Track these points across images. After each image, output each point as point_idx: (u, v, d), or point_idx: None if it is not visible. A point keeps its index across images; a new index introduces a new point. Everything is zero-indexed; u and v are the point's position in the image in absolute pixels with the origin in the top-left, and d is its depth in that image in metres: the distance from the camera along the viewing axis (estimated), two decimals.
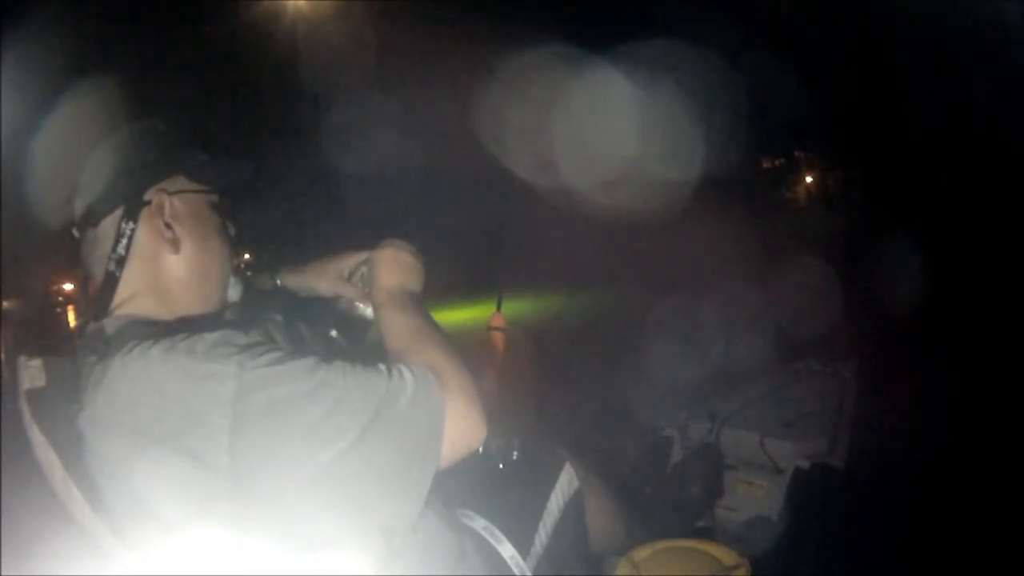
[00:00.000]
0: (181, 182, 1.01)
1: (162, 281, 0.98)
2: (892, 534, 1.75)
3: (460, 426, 0.87)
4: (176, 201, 0.99)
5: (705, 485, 1.91)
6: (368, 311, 1.18)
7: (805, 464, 1.97)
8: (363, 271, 1.17)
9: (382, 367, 0.87)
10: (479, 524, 1.19)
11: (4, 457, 0.90)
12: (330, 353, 0.89)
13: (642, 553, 1.36)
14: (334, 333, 1.20)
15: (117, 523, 0.85)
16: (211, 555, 0.81)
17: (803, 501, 1.90)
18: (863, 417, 2.23)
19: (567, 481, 1.34)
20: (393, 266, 1.09)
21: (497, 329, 1.37)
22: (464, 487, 1.23)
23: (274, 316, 1.10)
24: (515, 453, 1.38)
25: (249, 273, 1.21)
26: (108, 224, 0.96)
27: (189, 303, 0.99)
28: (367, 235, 1.20)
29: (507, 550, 1.17)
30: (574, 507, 1.33)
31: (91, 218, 0.97)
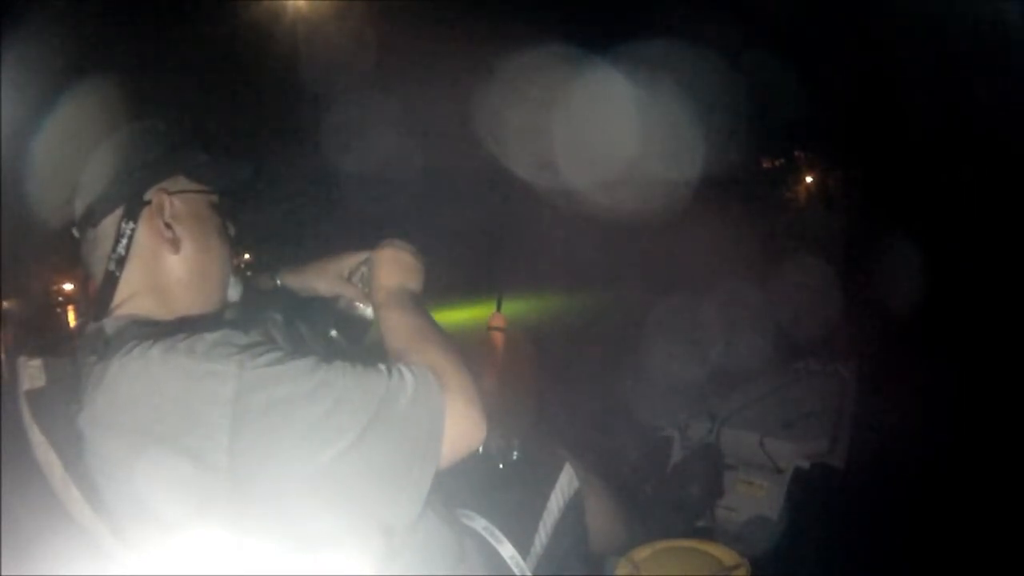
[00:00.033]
0: (181, 182, 1.01)
1: (162, 281, 0.98)
2: (892, 534, 1.75)
3: (460, 426, 0.87)
4: (176, 201, 0.99)
5: (705, 485, 1.91)
6: (368, 311, 1.18)
7: (805, 464, 1.97)
8: (363, 271, 1.18)
9: (382, 367, 0.87)
10: (479, 524, 1.19)
11: (4, 457, 0.90)
12: (330, 353, 0.89)
13: (642, 553, 1.36)
14: (334, 333, 1.20)
15: (117, 523, 0.86)
16: (211, 555, 0.81)
17: (803, 501, 1.90)
18: (863, 417, 2.23)
19: (567, 481, 1.34)
20: (393, 266, 1.09)
21: (497, 329, 1.37)
22: (464, 487, 1.23)
23: (274, 316, 1.10)
24: (515, 453, 1.38)
25: (249, 273, 1.21)
26: (108, 224, 0.96)
27: (189, 303, 0.99)
28: (367, 235, 1.20)
29: (507, 550, 1.17)
30: (574, 507, 1.33)
31: (91, 218, 0.97)
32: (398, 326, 1.00)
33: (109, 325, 0.93)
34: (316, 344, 1.14)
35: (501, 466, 1.37)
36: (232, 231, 1.07)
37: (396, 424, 0.84)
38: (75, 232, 1.00)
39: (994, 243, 4.89)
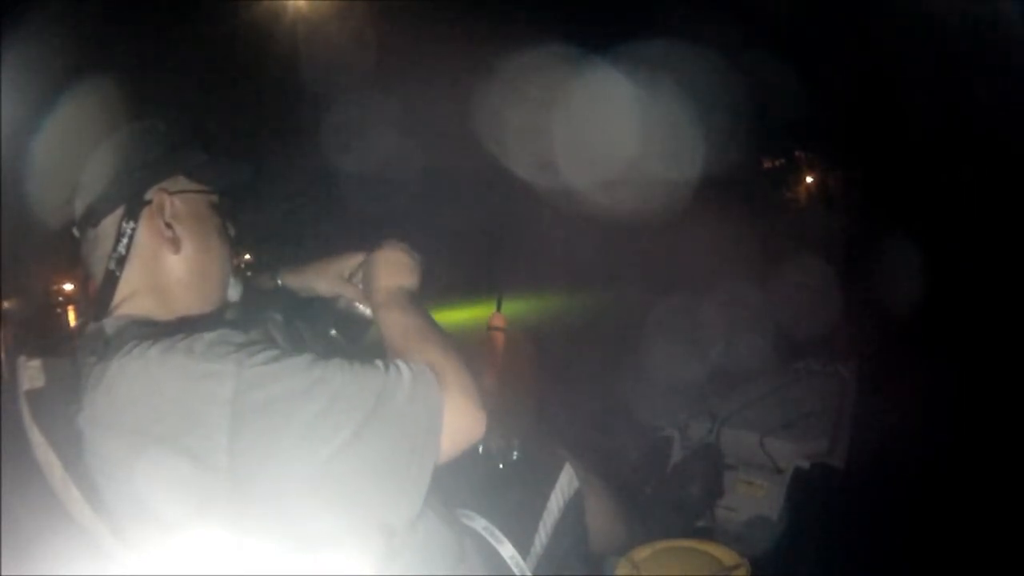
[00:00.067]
0: (181, 182, 1.01)
1: (162, 281, 0.98)
2: (892, 534, 1.75)
3: (459, 422, 0.87)
4: (177, 201, 0.99)
5: (705, 485, 1.91)
6: (368, 311, 1.18)
7: (805, 464, 1.97)
8: (363, 271, 1.18)
9: (379, 363, 0.87)
10: (479, 524, 1.19)
11: (4, 457, 0.90)
12: (330, 353, 0.89)
13: (642, 553, 1.36)
14: (334, 333, 1.20)
15: (117, 523, 0.86)
16: (211, 555, 0.81)
17: (803, 501, 1.90)
18: (863, 417, 2.23)
19: (567, 481, 1.34)
20: (391, 266, 1.10)
21: (497, 329, 1.37)
22: (464, 487, 1.23)
23: (274, 316, 1.10)
24: (515, 453, 1.38)
25: (249, 273, 1.21)
26: (109, 223, 0.96)
27: (189, 303, 0.99)
28: (367, 235, 1.20)
29: (507, 550, 1.17)
30: (574, 507, 1.33)
31: (92, 217, 0.97)
32: (397, 326, 1.01)
33: (109, 325, 0.93)
34: (316, 344, 1.14)
35: (501, 466, 1.37)
36: (232, 231, 1.07)
37: (394, 420, 0.84)
38: (75, 232, 1.00)
39: (994, 243, 4.89)
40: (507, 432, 1.38)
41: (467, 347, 0.98)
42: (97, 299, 0.96)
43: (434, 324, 1.02)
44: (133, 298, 0.96)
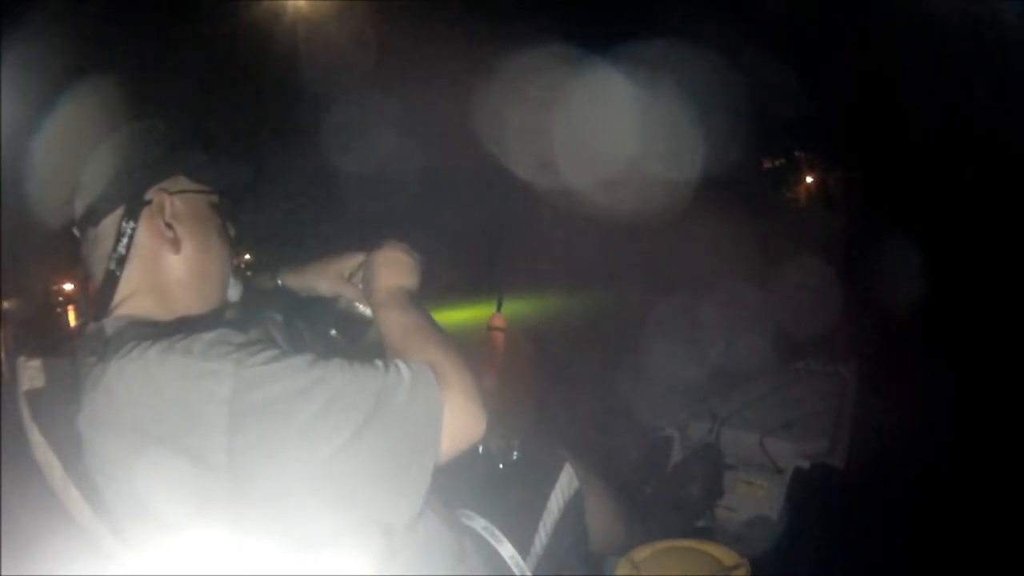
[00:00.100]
0: (182, 182, 1.01)
1: (162, 281, 0.98)
2: (892, 534, 1.75)
3: (459, 420, 0.87)
4: (177, 201, 0.99)
5: (705, 485, 1.91)
6: (368, 311, 1.18)
7: (805, 464, 1.97)
8: (363, 271, 1.18)
9: (379, 363, 0.87)
10: (479, 524, 1.19)
11: (4, 457, 0.90)
12: (330, 353, 0.89)
13: (642, 553, 1.36)
14: (334, 333, 1.20)
15: (117, 523, 0.86)
16: (211, 555, 0.81)
17: (803, 501, 1.90)
18: (863, 417, 2.23)
19: (567, 481, 1.34)
20: (391, 266, 1.10)
21: (497, 329, 1.37)
22: (464, 487, 1.23)
23: (274, 316, 1.10)
24: (515, 453, 1.38)
25: (249, 273, 1.21)
26: (109, 223, 0.96)
27: (189, 303, 0.99)
28: (367, 235, 1.20)
29: (507, 550, 1.17)
30: (574, 507, 1.33)
31: (92, 217, 0.97)
32: (397, 326, 1.01)
33: (108, 325, 0.93)
34: (316, 344, 1.14)
35: (501, 466, 1.37)
36: (232, 231, 1.07)
37: (394, 420, 0.84)
38: (75, 232, 1.00)
39: (994, 243, 4.89)
40: (507, 432, 1.38)
41: (467, 347, 0.98)
42: (97, 299, 0.96)
43: (434, 324, 1.02)
44: (133, 298, 0.96)
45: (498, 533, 1.18)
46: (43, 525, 0.88)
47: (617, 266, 6.00)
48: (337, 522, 0.84)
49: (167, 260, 0.98)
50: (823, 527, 1.78)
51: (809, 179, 17.31)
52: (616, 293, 5.31)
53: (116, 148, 0.99)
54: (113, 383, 0.82)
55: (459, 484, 1.18)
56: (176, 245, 0.98)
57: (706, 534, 1.83)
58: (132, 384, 0.82)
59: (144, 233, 0.97)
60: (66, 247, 1.02)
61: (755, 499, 1.94)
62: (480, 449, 1.35)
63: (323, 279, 1.22)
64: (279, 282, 1.23)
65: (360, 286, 1.18)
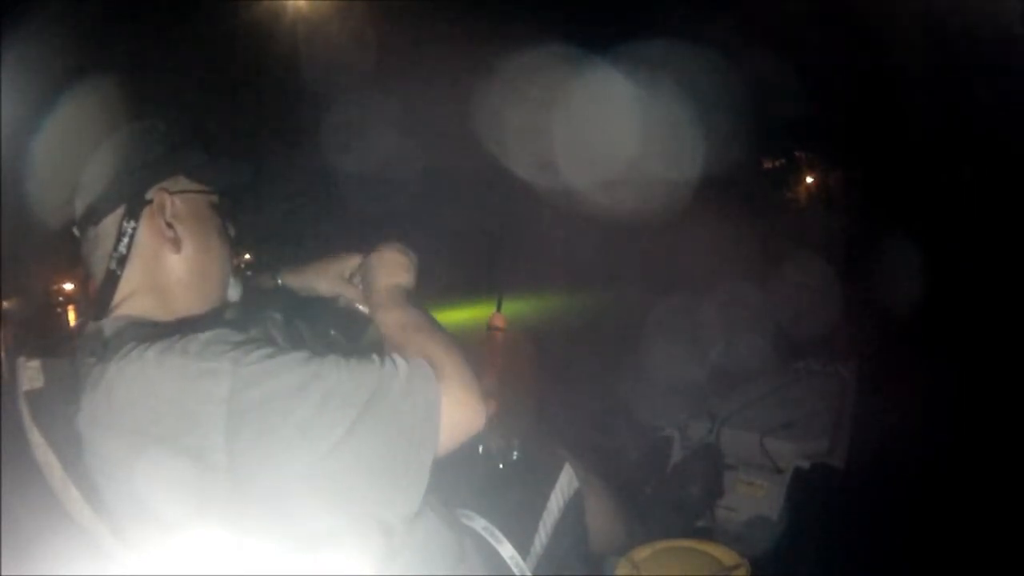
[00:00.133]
0: (182, 182, 1.01)
1: (162, 280, 0.98)
2: (892, 534, 1.75)
3: (457, 414, 0.87)
4: (177, 201, 0.99)
5: (705, 485, 1.91)
6: (368, 311, 1.18)
7: (805, 464, 1.97)
8: (361, 272, 1.18)
9: (376, 359, 0.87)
10: (479, 524, 1.19)
11: (4, 457, 0.90)
12: (329, 353, 0.89)
13: (642, 553, 1.36)
14: (334, 333, 1.20)
15: (117, 523, 0.86)
16: (211, 555, 0.81)
17: (803, 501, 1.90)
18: (863, 417, 2.23)
19: (567, 481, 1.34)
20: (388, 266, 1.10)
21: (497, 329, 1.37)
22: (464, 487, 1.23)
23: (274, 316, 1.10)
24: (515, 453, 1.38)
25: (249, 273, 1.21)
26: (109, 223, 0.96)
27: (189, 303, 0.99)
28: (367, 235, 1.20)
29: (507, 550, 1.17)
30: (574, 507, 1.33)
31: (92, 217, 0.97)
32: (396, 325, 1.01)
33: (108, 326, 0.93)
34: (316, 344, 1.14)
35: (501, 466, 1.37)
36: (232, 231, 1.07)
37: (390, 415, 0.84)
38: (76, 231, 1.00)
39: (994, 243, 4.89)
40: (507, 432, 1.37)
41: (467, 347, 0.98)
42: (97, 299, 0.96)
43: (433, 321, 1.02)
44: (133, 298, 0.96)
45: (498, 533, 1.19)
46: (43, 525, 0.88)
47: (617, 266, 6.00)
48: (337, 519, 0.84)
49: (168, 260, 0.98)
50: (823, 527, 1.78)
51: (809, 179, 17.31)
52: (616, 293, 5.31)
53: (116, 148, 0.99)
54: (112, 383, 0.82)
55: (459, 484, 1.18)
56: (177, 245, 0.98)
57: (706, 534, 1.83)
58: (131, 384, 0.82)
59: (145, 233, 0.97)
60: (66, 247, 1.02)
61: (755, 499, 1.94)
62: (480, 449, 1.35)
63: (323, 279, 1.22)
64: (279, 282, 1.24)
65: (360, 287, 1.18)
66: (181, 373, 0.80)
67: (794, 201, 16.38)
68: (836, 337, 3.14)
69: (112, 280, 0.96)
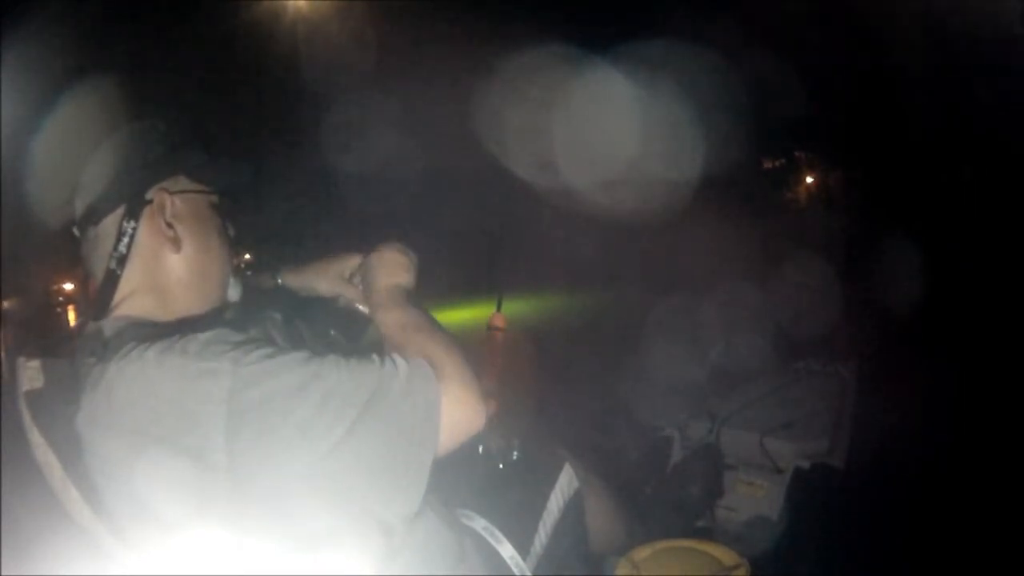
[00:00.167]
0: (182, 182, 1.01)
1: (162, 280, 0.98)
2: (892, 534, 1.75)
3: (457, 414, 0.87)
4: (177, 201, 0.99)
5: (705, 485, 1.91)
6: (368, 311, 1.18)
7: (805, 464, 1.97)
8: (361, 272, 1.18)
9: (375, 358, 0.87)
10: (479, 524, 1.19)
11: (4, 457, 0.90)
12: (330, 353, 0.89)
13: (642, 553, 1.36)
14: (334, 333, 1.20)
15: (117, 523, 0.86)
16: (211, 555, 0.80)
17: (803, 501, 1.90)
18: (863, 417, 2.23)
19: (567, 481, 1.34)
20: (388, 267, 1.10)
21: (497, 329, 1.37)
22: (464, 487, 1.23)
23: (274, 316, 1.10)
24: (515, 453, 1.38)
25: (249, 273, 1.21)
26: (110, 223, 0.96)
27: (189, 303, 0.99)
28: (367, 235, 1.20)
29: (507, 550, 1.17)
30: (574, 507, 1.33)
31: (92, 216, 0.97)
32: (396, 325, 1.01)
33: (108, 326, 0.93)
34: (316, 344, 1.14)
35: (501, 466, 1.37)
36: (232, 231, 1.07)
37: (390, 414, 0.84)
38: (75, 231, 1.00)
39: (994, 243, 4.89)
40: (507, 432, 1.38)
41: (467, 347, 0.98)
42: (97, 299, 0.96)
43: (433, 321, 1.02)
44: (133, 298, 0.96)
45: (498, 533, 1.19)
46: (43, 525, 0.88)
47: (617, 266, 6.00)
48: (337, 519, 0.84)
49: (168, 260, 0.98)
50: (823, 527, 1.78)
51: (809, 179, 17.32)
52: (616, 293, 5.32)
53: (116, 148, 0.99)
54: (112, 383, 0.82)
55: (459, 484, 1.18)
56: (177, 245, 0.98)
57: (706, 534, 1.83)
58: (131, 384, 0.82)
59: (145, 232, 0.97)
60: (66, 247, 1.02)
61: (755, 499, 1.94)
62: (480, 449, 1.35)
63: (323, 279, 1.22)
64: (279, 282, 1.24)
65: (360, 287, 1.18)
66: (181, 373, 0.80)
67: (794, 201, 16.39)
68: (836, 337, 3.14)
69: (112, 280, 0.96)
